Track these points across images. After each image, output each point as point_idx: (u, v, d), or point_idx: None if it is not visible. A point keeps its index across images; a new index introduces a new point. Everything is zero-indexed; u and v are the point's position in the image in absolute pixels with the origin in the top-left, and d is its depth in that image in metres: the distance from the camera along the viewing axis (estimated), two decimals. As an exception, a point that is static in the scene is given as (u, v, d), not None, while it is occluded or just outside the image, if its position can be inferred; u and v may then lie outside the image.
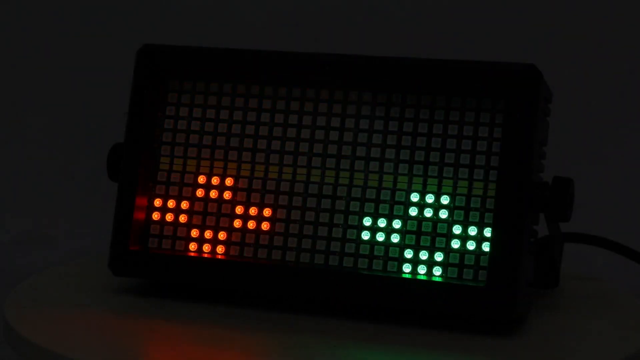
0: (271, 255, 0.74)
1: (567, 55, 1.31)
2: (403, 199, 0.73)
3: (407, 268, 0.72)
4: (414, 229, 0.72)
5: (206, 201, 0.76)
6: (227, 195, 0.76)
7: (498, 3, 1.33)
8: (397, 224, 0.73)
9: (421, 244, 0.72)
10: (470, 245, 0.71)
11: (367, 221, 0.73)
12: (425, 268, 0.72)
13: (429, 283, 0.70)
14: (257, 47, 0.77)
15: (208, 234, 0.76)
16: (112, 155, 0.77)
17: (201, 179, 0.77)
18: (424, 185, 0.73)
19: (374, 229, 0.73)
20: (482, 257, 0.71)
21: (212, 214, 0.76)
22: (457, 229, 0.72)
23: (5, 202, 1.39)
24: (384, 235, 0.73)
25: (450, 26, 1.33)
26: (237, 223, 0.75)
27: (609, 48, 1.31)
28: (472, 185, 0.72)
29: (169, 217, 0.77)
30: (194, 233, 0.76)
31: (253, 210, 0.75)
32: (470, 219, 0.71)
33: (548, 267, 0.81)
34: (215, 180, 0.76)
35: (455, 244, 0.71)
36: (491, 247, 0.69)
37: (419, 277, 0.71)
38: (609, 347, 0.70)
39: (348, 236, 0.73)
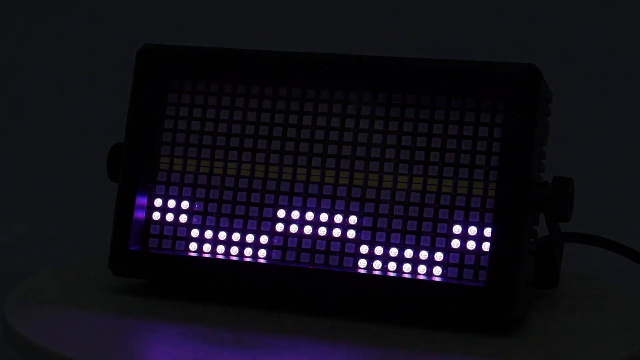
0: (271, 256, 0.74)
1: (567, 55, 1.31)
2: (403, 199, 0.73)
3: (407, 268, 0.72)
4: (414, 228, 0.72)
5: (206, 201, 0.76)
6: (227, 195, 0.76)
7: (498, 3, 1.33)
8: (397, 224, 0.72)
9: (421, 244, 0.72)
10: (470, 246, 0.71)
11: (366, 221, 0.73)
12: (426, 268, 0.72)
13: (429, 283, 0.70)
14: (257, 47, 0.77)
15: (208, 234, 0.76)
16: (112, 155, 0.77)
17: (201, 179, 0.77)
18: (424, 185, 0.73)
19: (373, 229, 0.73)
20: (482, 257, 0.71)
21: (212, 214, 0.76)
22: (457, 229, 0.72)
23: (5, 202, 1.39)
24: (384, 235, 0.73)
25: (451, 26, 1.33)
26: (237, 223, 0.75)
27: (609, 48, 1.31)
28: (472, 185, 0.72)
29: (169, 217, 0.77)
30: (194, 233, 0.76)
31: (253, 211, 0.75)
32: (470, 219, 0.71)
33: (548, 267, 0.81)
34: (215, 180, 0.76)
35: (455, 244, 0.71)
36: (491, 247, 0.69)
37: (419, 277, 0.71)
38: (609, 347, 0.70)
39: (348, 236, 0.73)
